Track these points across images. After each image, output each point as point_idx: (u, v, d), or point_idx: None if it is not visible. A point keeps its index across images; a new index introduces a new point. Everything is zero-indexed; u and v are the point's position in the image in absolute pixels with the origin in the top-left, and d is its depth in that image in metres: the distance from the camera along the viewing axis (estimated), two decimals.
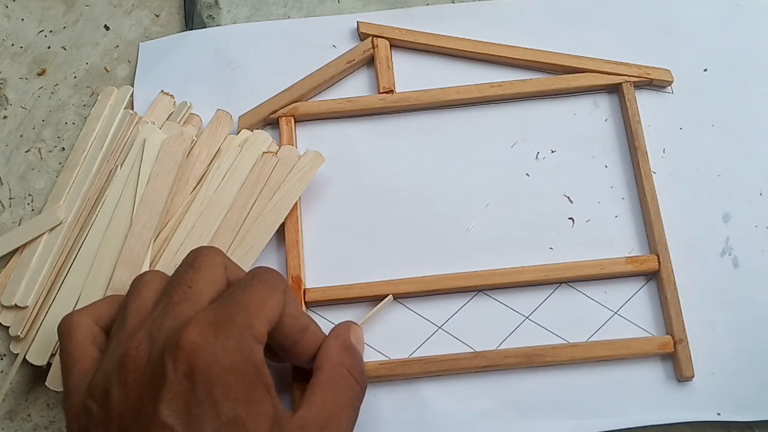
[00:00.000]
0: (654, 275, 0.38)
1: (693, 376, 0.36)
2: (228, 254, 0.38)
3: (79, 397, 0.30)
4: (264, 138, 0.41)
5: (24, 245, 0.40)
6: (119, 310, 0.33)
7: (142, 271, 0.38)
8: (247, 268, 0.38)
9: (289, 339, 0.33)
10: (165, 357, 0.27)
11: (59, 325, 0.33)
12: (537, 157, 0.41)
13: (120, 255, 0.38)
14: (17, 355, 0.38)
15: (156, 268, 0.38)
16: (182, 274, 0.32)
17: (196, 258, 0.32)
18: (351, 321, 0.37)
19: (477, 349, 0.37)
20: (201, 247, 0.33)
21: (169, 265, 0.39)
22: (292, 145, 0.41)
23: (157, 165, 0.40)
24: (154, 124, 0.42)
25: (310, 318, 0.35)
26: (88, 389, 0.30)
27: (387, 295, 0.38)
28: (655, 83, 0.42)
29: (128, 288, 0.33)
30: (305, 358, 0.34)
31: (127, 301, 0.32)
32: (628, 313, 0.38)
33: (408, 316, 0.38)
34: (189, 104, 0.43)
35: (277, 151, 0.41)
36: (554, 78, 0.42)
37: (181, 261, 0.33)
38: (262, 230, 0.39)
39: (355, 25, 0.44)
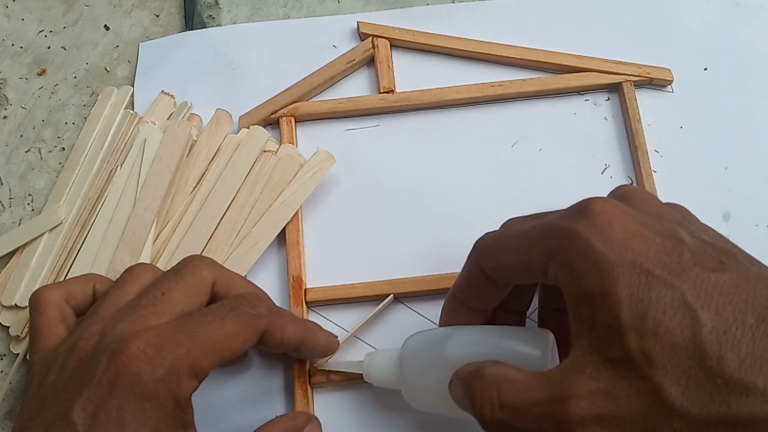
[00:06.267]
0: None
1: None
2: (228, 253, 0.38)
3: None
4: (260, 133, 0.41)
5: (24, 245, 0.40)
6: (101, 295, 0.32)
7: (143, 253, 0.38)
8: (248, 267, 0.38)
9: (285, 349, 0.33)
10: (102, 357, 0.28)
11: (30, 298, 0.33)
12: (537, 157, 0.41)
13: (122, 237, 0.38)
14: (17, 355, 0.38)
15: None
16: (163, 279, 0.31)
17: (182, 267, 0.32)
18: (314, 416, 0.35)
19: None
20: (193, 256, 0.33)
21: (168, 264, 0.38)
22: (293, 145, 0.41)
23: (161, 149, 0.40)
24: (154, 124, 0.42)
25: (306, 327, 0.34)
26: (42, 363, 0.30)
27: (388, 295, 0.38)
28: (656, 82, 0.42)
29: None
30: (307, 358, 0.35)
31: (110, 289, 0.32)
32: None
33: (409, 315, 0.38)
34: (189, 104, 0.43)
35: (277, 150, 0.41)
36: (554, 78, 0.42)
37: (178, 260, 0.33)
38: (267, 228, 0.39)
39: (355, 25, 0.44)
